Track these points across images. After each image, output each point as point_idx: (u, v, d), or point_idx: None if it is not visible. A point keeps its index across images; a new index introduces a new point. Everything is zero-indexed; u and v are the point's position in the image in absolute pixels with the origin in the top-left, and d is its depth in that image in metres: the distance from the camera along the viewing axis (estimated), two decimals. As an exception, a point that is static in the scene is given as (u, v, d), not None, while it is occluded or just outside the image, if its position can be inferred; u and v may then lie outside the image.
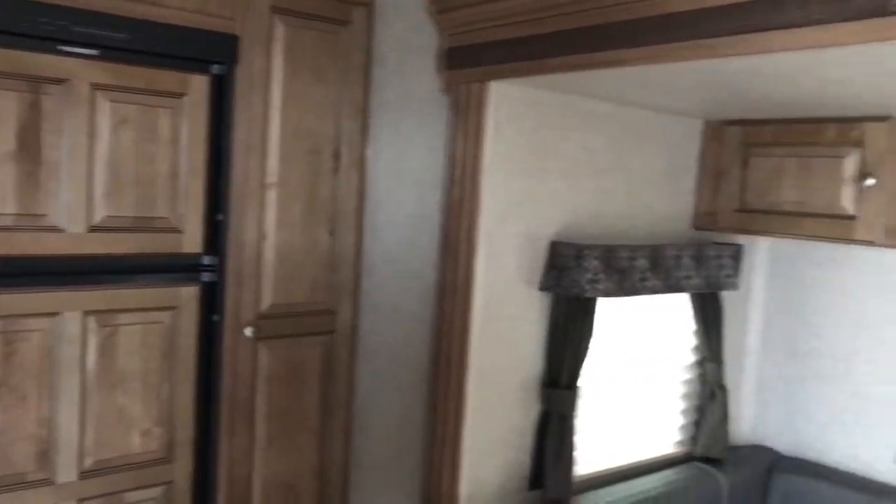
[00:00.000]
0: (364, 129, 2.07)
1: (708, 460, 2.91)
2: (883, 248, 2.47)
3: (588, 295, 2.33)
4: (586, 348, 2.44)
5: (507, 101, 2.25)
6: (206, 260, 1.87)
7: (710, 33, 1.58)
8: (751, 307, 3.19)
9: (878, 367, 2.86)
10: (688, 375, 3.02)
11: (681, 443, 3.03)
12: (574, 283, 2.32)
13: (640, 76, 1.97)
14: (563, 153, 2.43)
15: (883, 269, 2.84)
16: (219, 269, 1.88)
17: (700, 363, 2.97)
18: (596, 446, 2.73)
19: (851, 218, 2.44)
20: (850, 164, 2.43)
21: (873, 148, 2.38)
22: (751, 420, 3.25)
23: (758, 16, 1.47)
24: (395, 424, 2.38)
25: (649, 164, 2.71)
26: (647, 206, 2.72)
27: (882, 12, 1.27)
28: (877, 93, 2.01)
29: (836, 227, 2.48)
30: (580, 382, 2.47)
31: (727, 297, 2.94)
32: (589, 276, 2.30)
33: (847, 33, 1.33)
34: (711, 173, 2.83)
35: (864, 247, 2.57)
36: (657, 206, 2.76)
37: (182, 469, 1.88)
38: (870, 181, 2.37)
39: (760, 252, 3.17)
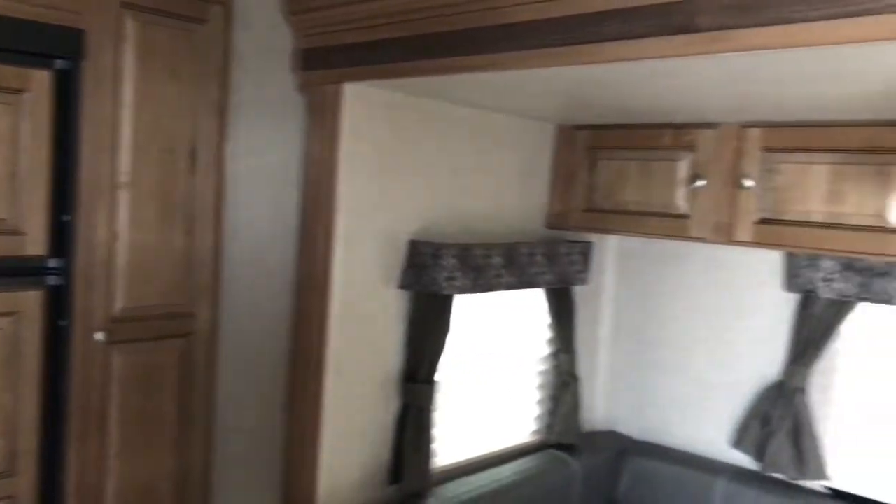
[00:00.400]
0: (221, 129, 2.06)
1: (562, 447, 3.03)
2: (713, 245, 2.64)
3: (445, 292, 2.40)
4: (444, 343, 2.51)
5: (362, 102, 2.27)
6: (52, 263, 1.79)
7: (549, 43, 1.67)
8: (602, 301, 3.35)
9: (715, 357, 3.06)
10: (543, 366, 3.14)
11: (536, 431, 3.14)
12: (432, 281, 2.39)
13: (490, 82, 2.03)
14: (421, 154, 2.49)
15: (716, 265, 3.04)
16: (66, 271, 1.81)
17: (554, 354, 3.09)
18: (455, 438, 2.80)
19: (685, 217, 2.60)
20: (684, 166, 2.60)
21: (703, 152, 2.55)
22: (603, 407, 3.41)
23: (588, 28, 1.56)
24: (258, 424, 2.36)
25: (505, 166, 2.81)
26: (503, 207, 2.82)
27: (690, 29, 1.39)
28: (704, 102, 2.17)
29: (673, 225, 2.64)
30: (438, 376, 2.54)
31: (580, 291, 3.07)
32: (446, 273, 2.38)
33: (662, 47, 1.44)
34: (562, 175, 2.96)
35: (698, 243, 2.76)
36: (512, 207, 2.86)
37: (25, 481, 1.79)
38: (700, 183, 2.54)
39: (610, 249, 3.33)
